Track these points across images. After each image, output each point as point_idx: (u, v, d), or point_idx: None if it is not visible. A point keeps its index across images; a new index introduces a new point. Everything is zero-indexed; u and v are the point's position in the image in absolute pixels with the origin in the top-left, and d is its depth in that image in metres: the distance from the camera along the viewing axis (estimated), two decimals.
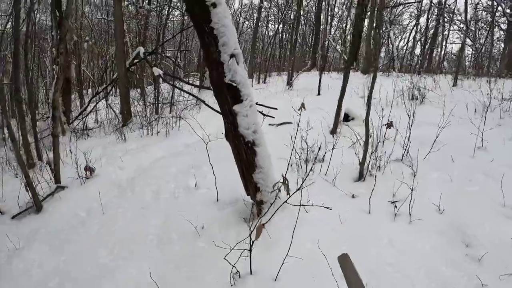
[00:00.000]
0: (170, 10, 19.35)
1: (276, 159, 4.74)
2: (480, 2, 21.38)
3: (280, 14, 25.37)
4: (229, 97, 3.85)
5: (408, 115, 5.98)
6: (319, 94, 11.98)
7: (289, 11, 24.10)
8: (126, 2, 18.84)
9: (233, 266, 3.35)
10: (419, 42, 25.98)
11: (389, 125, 6.43)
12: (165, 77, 8.46)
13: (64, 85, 11.23)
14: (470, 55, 23.87)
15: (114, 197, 5.61)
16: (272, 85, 15.53)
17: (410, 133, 5.79)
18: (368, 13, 19.01)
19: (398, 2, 23.32)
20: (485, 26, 22.53)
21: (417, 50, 26.63)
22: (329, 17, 27.53)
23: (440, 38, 24.59)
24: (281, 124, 8.41)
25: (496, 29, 21.59)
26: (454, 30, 23.86)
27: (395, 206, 4.34)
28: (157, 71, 8.62)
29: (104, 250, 4.30)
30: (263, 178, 4.12)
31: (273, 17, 28.09)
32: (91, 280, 3.83)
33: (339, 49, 23.36)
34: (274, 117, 7.22)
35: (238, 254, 3.43)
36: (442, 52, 26.01)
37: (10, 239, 4.65)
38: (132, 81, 16.69)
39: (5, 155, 8.24)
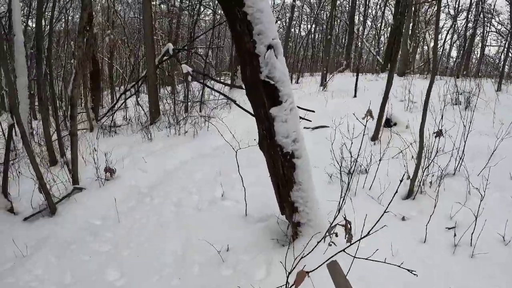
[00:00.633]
0: (203, 9, 19.03)
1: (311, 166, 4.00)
2: None
3: (312, 13, 24.56)
4: (265, 98, 3.09)
5: (464, 124, 5.10)
6: (355, 96, 11.15)
7: (322, 11, 23.26)
8: (158, 1, 18.59)
9: None
10: (455, 44, 24.68)
11: (439, 133, 5.73)
12: (194, 74, 7.84)
13: (93, 80, 10.93)
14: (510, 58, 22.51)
15: (132, 206, 5.00)
16: (305, 86, 14.72)
17: (465, 144, 4.92)
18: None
19: None
20: None
21: (453, 53, 25.27)
22: (362, 17, 26.50)
23: (478, 40, 23.19)
24: (317, 127, 7.63)
25: None
26: (492, 32, 22.47)
27: (455, 235, 3.53)
28: (186, 68, 8.03)
29: (115, 272, 3.66)
30: (302, 197, 3.35)
31: (305, 17, 27.29)
32: None
33: (373, 51, 22.42)
34: (311, 121, 6.51)
35: None
36: (478, 55, 24.59)
37: (19, 245, 4.18)
38: (163, 78, 16.32)
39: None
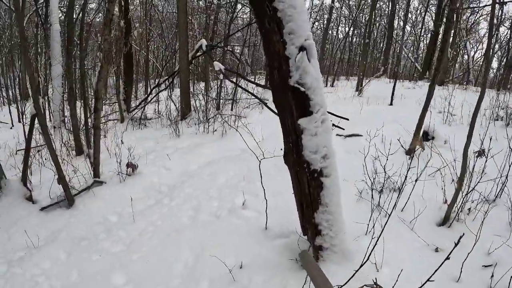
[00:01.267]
0: (240, 7, 18.81)
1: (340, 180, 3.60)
2: None
3: (351, 16, 23.92)
4: (293, 107, 2.68)
5: (510, 144, 4.54)
6: (391, 104, 10.57)
7: (361, 14, 22.60)
8: None
9: None
10: (496, 55, 23.43)
11: (481, 153, 5.11)
12: (226, 72, 7.58)
13: (126, 72, 10.85)
14: None
15: (149, 205, 4.75)
16: (340, 90, 14.18)
17: (510, 167, 4.37)
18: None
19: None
20: None
21: (495, 63, 24.05)
22: (402, 22, 25.62)
23: None
24: (350, 135, 7.11)
25: None
26: None
27: (492, 275, 3.03)
28: (218, 65, 7.78)
29: (121, 276, 3.42)
30: (328, 220, 2.95)
31: (343, 19, 26.64)
32: None
33: (412, 57, 21.61)
34: (344, 129, 6.08)
35: None
36: None
37: (32, 235, 4.09)
38: (197, 74, 16.20)
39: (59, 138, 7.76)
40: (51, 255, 3.81)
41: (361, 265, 2.43)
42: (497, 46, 23.06)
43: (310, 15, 25.53)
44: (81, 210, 4.70)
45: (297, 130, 2.73)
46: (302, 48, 2.56)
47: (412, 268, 3.04)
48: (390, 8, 22.11)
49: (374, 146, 4.96)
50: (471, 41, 26.25)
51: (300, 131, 2.71)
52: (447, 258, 1.89)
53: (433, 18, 21.19)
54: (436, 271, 2.11)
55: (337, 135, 7.02)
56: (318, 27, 28.06)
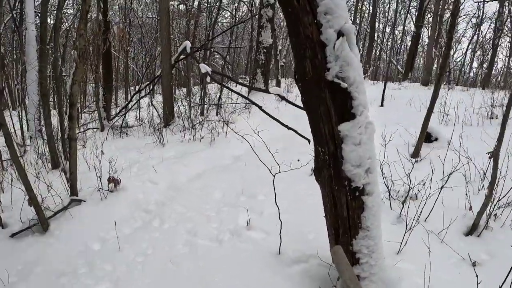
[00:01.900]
0: (221, 11, 18.30)
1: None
2: None
3: None
4: (332, 108, 2.06)
5: None
6: (382, 105, 10.16)
7: None
8: (176, 2, 17.89)
9: None
10: (476, 54, 23.52)
11: (493, 154, 4.79)
12: (212, 75, 6.95)
13: (106, 77, 10.10)
14: None
15: (137, 229, 4.04)
16: None
17: None
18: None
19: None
20: None
21: (474, 63, 24.10)
22: (382, 25, 25.46)
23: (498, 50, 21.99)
24: None
25: None
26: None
27: None
28: (204, 68, 7.14)
29: None
30: (369, 246, 2.32)
31: None
32: None
33: (394, 59, 21.37)
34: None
35: None
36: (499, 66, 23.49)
37: (1, 268, 3.35)
38: (178, 79, 15.55)
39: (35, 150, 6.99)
40: None
41: None
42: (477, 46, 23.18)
43: None
44: (58, 237, 3.97)
45: (336, 138, 2.10)
46: (341, 34, 1.93)
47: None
48: (371, 12, 21.85)
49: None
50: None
51: (340, 140, 2.09)
52: None
53: (414, 20, 21.02)
54: None
55: None
56: None
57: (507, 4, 18.76)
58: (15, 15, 12.10)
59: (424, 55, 22.75)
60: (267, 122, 5.78)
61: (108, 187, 4.85)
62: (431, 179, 4.03)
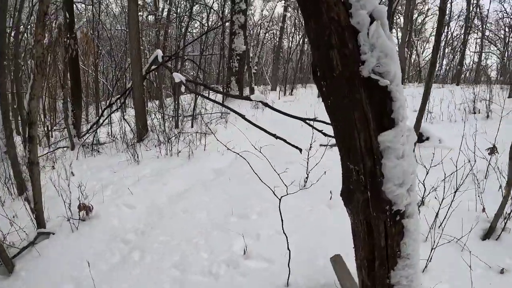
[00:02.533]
0: (190, 21, 17.88)
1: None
2: None
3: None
4: (369, 113, 1.52)
5: None
6: None
7: None
8: (145, 12, 17.36)
9: None
10: (446, 52, 23.92)
11: (493, 150, 4.57)
12: (187, 83, 6.46)
13: (74, 92, 9.47)
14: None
15: (114, 265, 3.44)
16: (301, 98, 13.39)
17: None
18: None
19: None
20: None
21: (444, 61, 24.40)
22: None
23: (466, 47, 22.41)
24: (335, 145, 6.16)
25: None
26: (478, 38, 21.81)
27: None
28: (178, 77, 6.64)
29: None
30: (408, 276, 1.76)
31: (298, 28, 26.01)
32: None
33: None
34: (332, 136, 5.12)
35: None
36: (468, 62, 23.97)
37: None
38: (150, 91, 14.98)
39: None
40: None
41: None
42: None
43: (260, 26, 24.94)
44: (24, 280, 3.37)
45: (375, 152, 1.58)
46: (373, 19, 1.45)
47: None
48: None
49: None
50: (419, 41, 26.71)
51: (379, 154, 1.57)
52: None
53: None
54: None
55: (321, 145, 6.11)
56: (269, 39, 27.57)
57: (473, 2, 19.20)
58: None
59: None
60: (249, 131, 5.34)
61: (79, 215, 4.28)
62: (444, 184, 3.70)
